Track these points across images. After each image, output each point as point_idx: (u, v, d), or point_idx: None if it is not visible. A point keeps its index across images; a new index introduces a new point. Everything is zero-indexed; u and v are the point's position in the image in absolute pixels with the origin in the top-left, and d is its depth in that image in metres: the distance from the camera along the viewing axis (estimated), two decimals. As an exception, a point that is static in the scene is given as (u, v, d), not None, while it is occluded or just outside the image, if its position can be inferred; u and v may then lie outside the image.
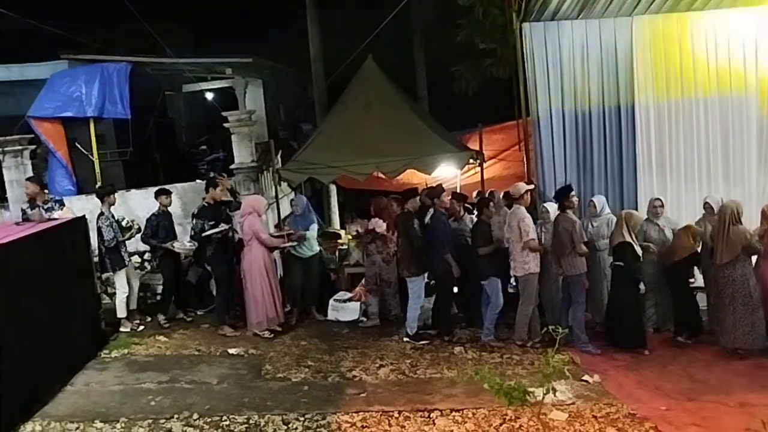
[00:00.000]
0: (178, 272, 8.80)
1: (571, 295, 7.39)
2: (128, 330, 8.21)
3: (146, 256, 9.64)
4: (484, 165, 9.70)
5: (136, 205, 9.98)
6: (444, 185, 9.91)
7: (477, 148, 9.57)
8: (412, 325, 7.88)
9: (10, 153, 9.92)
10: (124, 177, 11.08)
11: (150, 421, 5.64)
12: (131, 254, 8.85)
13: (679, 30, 8.61)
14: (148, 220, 8.45)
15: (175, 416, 5.71)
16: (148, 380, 6.63)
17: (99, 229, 8.06)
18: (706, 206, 7.67)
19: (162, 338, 7.96)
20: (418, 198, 8.23)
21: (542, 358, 6.90)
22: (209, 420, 5.64)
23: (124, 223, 8.31)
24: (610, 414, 5.62)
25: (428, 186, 9.70)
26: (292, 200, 9.31)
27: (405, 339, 7.83)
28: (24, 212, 8.14)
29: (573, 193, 7.65)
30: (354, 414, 5.70)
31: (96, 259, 8.28)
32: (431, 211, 8.14)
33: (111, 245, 8.05)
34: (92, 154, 11.10)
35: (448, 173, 9.86)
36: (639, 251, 7.27)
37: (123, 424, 5.58)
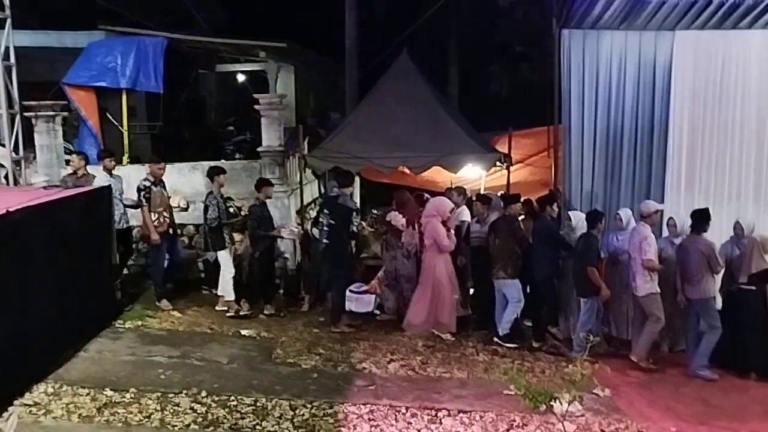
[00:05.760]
0: (273, 261, 8.78)
1: (702, 320, 7.14)
2: (232, 315, 8.13)
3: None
4: (511, 169, 9.63)
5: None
6: (467, 186, 9.88)
7: (505, 151, 9.50)
8: (505, 326, 7.75)
9: (42, 118, 9.99)
10: (151, 150, 11.14)
11: (159, 394, 5.66)
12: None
13: (723, 48, 8.46)
14: (251, 211, 8.38)
15: (184, 392, 5.72)
16: (159, 354, 6.66)
17: (206, 207, 8.08)
18: (737, 229, 7.42)
19: (176, 314, 8.00)
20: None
21: (553, 367, 6.92)
22: (217, 399, 5.64)
23: (231, 210, 8.39)
24: (619, 430, 5.56)
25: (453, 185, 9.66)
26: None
27: (495, 339, 7.74)
28: (147, 189, 8.02)
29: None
30: (362, 405, 5.68)
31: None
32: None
33: (213, 224, 8.05)
34: (122, 125, 11.20)
35: (473, 174, 9.80)
36: None
37: (132, 395, 5.61)
